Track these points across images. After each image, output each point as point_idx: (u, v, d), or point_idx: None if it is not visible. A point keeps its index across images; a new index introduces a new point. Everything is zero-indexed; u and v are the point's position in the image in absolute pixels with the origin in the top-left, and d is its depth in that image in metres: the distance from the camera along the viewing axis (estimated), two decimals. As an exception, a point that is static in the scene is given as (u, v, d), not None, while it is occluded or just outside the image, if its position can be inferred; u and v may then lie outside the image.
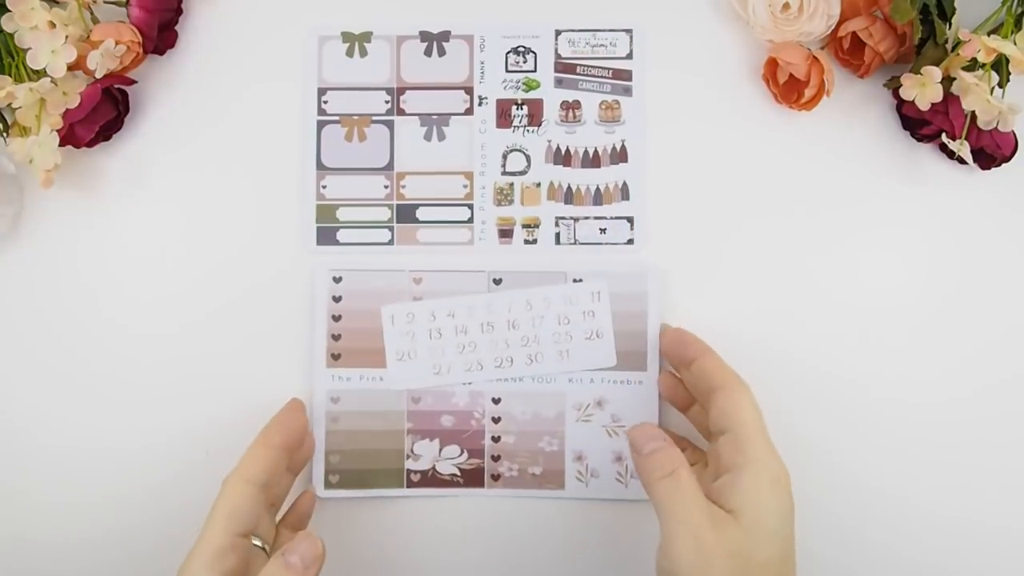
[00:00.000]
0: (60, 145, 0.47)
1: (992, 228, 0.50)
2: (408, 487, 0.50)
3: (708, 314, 0.50)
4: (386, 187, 0.51)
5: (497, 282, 0.50)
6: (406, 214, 0.51)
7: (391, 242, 0.51)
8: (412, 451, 0.50)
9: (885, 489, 0.50)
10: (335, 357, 0.50)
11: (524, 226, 0.51)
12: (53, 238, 0.51)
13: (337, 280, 0.50)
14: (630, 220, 0.51)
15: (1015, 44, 0.45)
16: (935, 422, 0.50)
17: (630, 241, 0.51)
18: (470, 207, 0.51)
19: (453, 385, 0.50)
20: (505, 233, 0.51)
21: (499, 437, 0.50)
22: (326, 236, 0.51)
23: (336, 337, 0.50)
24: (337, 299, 0.50)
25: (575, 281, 0.50)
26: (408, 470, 0.50)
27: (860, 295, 0.50)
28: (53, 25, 0.46)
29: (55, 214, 0.51)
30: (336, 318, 0.50)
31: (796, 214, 0.51)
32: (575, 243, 0.50)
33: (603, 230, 0.51)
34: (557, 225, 0.51)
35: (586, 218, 0.51)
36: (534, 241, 0.51)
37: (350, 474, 0.50)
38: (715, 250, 0.50)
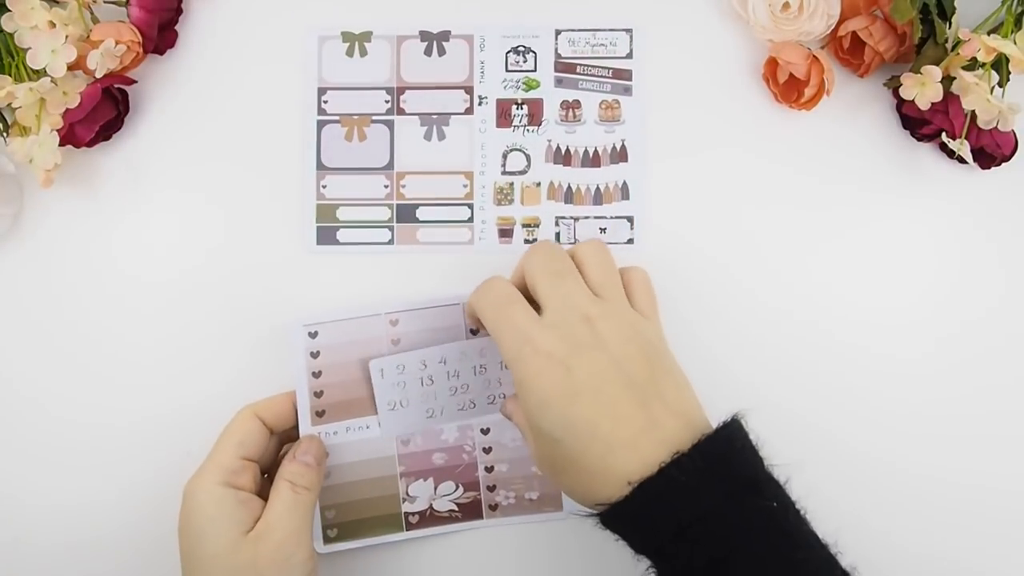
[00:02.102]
0: (60, 145, 0.47)
1: (992, 228, 0.50)
2: (408, 530, 0.49)
3: (706, 314, 0.50)
4: (386, 187, 0.51)
5: None
6: (406, 214, 0.51)
7: (391, 242, 0.51)
8: (407, 494, 0.49)
9: (892, 475, 0.50)
10: (319, 414, 0.48)
11: (524, 226, 0.51)
12: (53, 238, 0.51)
13: (313, 335, 0.48)
14: (630, 220, 0.51)
15: (1015, 44, 0.45)
16: (932, 422, 0.50)
17: (630, 241, 0.50)
18: (470, 207, 0.51)
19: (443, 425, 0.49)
20: (505, 233, 0.51)
21: (492, 467, 0.49)
22: (326, 236, 0.51)
23: (318, 394, 0.48)
24: (315, 355, 0.48)
25: None
26: (406, 513, 0.49)
27: (860, 294, 0.50)
28: (53, 25, 0.46)
29: (55, 214, 0.51)
30: (316, 374, 0.48)
31: (796, 214, 0.51)
32: (575, 243, 0.50)
33: (603, 230, 0.51)
34: (557, 225, 0.51)
35: (586, 218, 0.51)
36: (534, 241, 0.51)
37: (348, 525, 0.49)
38: (715, 250, 0.50)
